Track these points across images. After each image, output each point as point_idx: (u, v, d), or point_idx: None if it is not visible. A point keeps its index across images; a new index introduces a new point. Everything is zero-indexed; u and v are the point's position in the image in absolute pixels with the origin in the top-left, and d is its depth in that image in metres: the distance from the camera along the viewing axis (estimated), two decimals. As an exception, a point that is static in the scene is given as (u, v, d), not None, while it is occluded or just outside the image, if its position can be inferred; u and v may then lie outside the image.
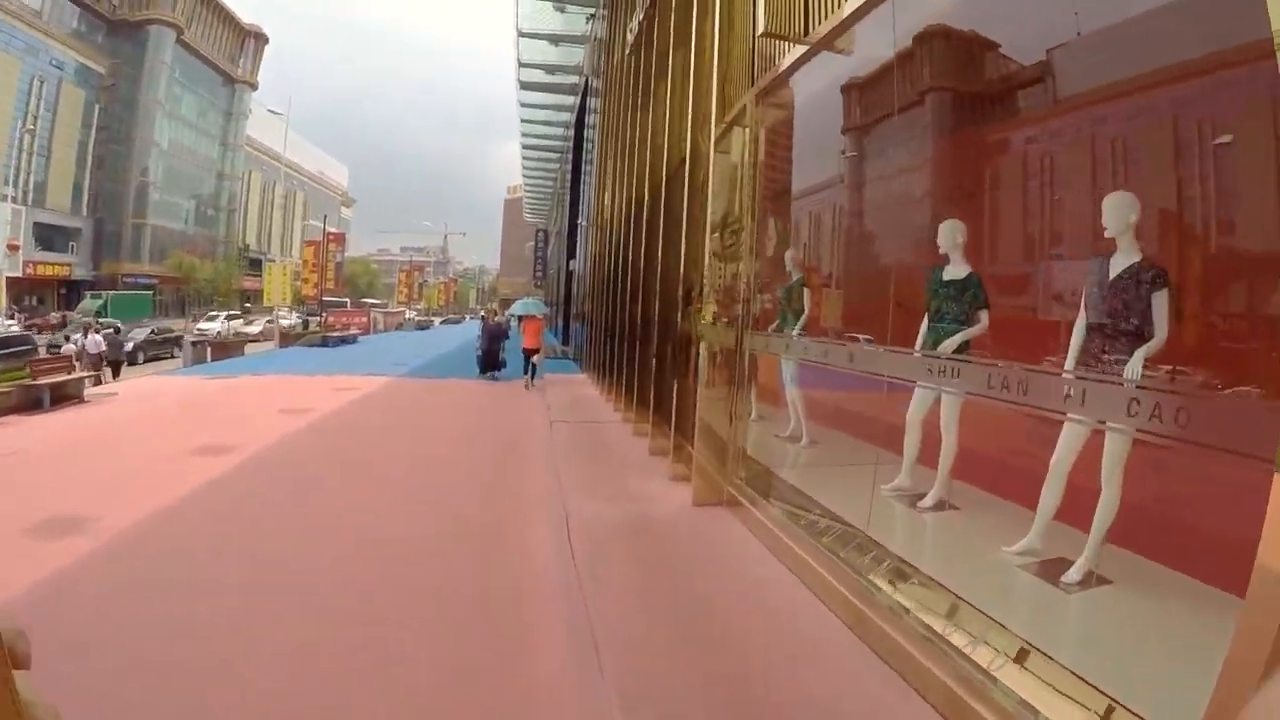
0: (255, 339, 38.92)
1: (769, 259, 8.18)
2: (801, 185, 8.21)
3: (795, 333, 7.24)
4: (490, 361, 23.08)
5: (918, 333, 5.23)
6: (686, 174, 9.44)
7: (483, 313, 36.29)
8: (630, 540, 6.92)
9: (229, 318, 51.89)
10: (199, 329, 47.40)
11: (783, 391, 7.90)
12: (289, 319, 50.46)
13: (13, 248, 55.91)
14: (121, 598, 5.73)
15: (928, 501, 5.34)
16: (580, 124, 31.55)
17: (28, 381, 16.17)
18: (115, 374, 25.01)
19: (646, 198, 12.76)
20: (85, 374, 18.16)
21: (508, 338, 25.41)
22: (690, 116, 9.42)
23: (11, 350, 19.21)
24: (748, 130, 7.90)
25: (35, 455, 11.25)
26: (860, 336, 6.25)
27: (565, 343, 36.65)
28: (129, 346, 28.41)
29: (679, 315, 9.37)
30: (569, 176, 36.63)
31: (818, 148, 7.69)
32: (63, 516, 7.75)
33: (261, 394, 18.84)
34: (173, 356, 33.98)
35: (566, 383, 21.26)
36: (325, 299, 49.83)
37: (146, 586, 5.95)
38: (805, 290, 7.39)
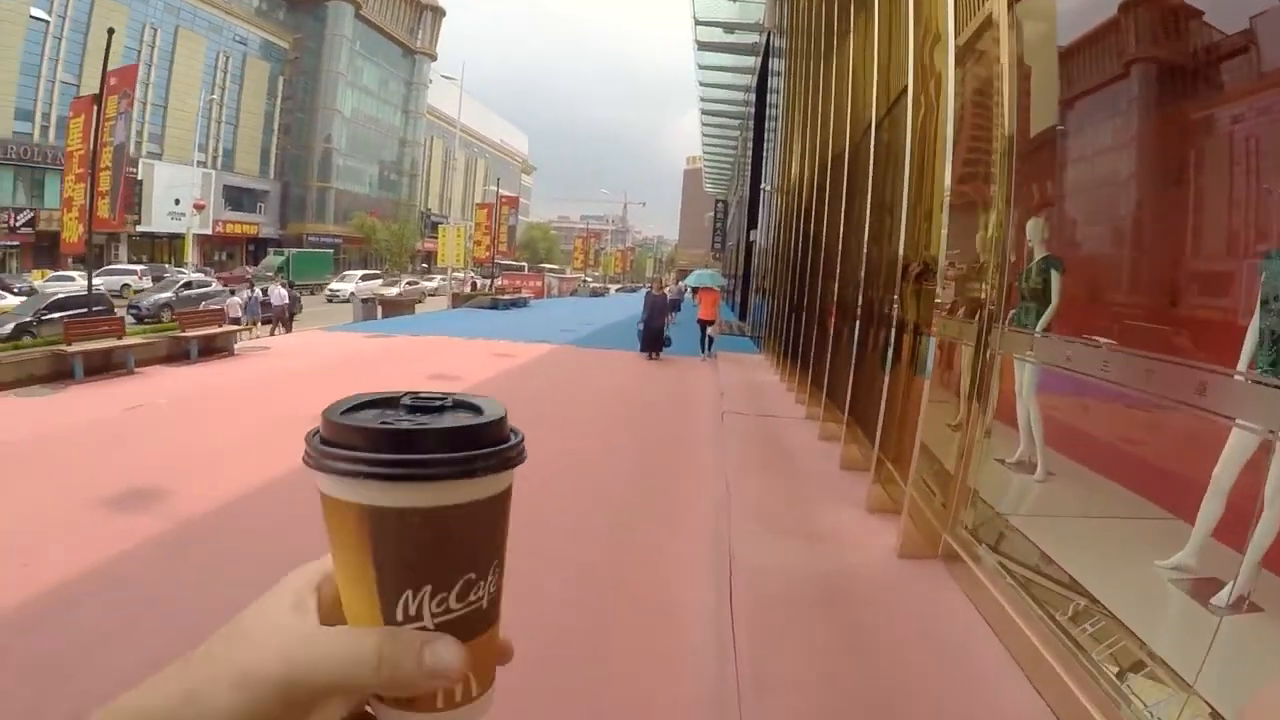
0: (400, 299, 37.81)
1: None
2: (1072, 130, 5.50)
3: (1038, 331, 4.87)
4: (652, 339, 20.06)
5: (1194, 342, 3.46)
6: (909, 112, 6.98)
7: (649, 283, 33.24)
8: (814, 611, 4.80)
9: (364, 278, 51.29)
10: (331, 289, 48.77)
11: (1013, 403, 5.48)
12: (461, 280, 50.93)
13: (198, 207, 58.06)
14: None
15: (1224, 597, 3.09)
16: (762, 85, 29.02)
17: (176, 333, 16.44)
18: (288, 328, 26.33)
19: (846, 151, 10.34)
20: (236, 328, 18.42)
21: (677, 310, 24.06)
22: (911, 37, 7.01)
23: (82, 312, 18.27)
24: (1003, 42, 5.42)
25: (156, 411, 11.30)
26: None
27: (743, 318, 33.72)
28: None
29: (892, 297, 6.99)
30: (750, 142, 34.01)
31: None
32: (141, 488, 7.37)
33: (412, 356, 18.19)
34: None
35: (742, 363, 18.86)
36: (501, 262, 49.64)
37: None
38: (1053, 274, 4.99)
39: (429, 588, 0.52)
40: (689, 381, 16.36)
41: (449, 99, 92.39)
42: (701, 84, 37.91)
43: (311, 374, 15.00)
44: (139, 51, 58.52)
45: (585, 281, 77.56)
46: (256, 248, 70.20)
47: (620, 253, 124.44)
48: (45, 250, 48.48)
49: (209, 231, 64.58)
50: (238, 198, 70.54)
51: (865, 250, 8.45)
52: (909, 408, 6.44)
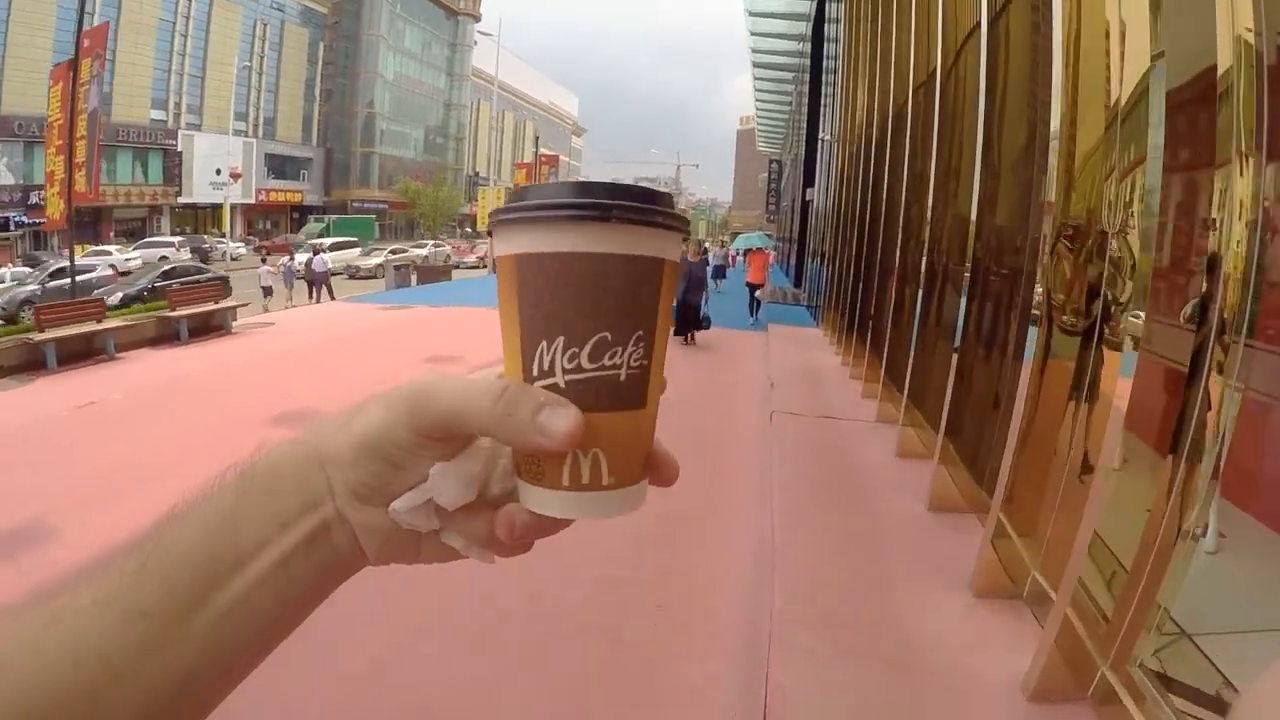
0: (434, 265, 36.23)
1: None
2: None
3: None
4: (688, 319, 15.86)
5: None
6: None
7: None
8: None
9: (334, 247, 42.80)
10: (351, 264, 43.13)
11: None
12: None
13: (235, 176, 57.08)
14: None
15: None
16: (819, 27, 26.58)
17: (164, 312, 15.15)
18: (331, 294, 26.35)
19: (927, 82, 8.11)
20: (233, 304, 16.89)
21: (722, 278, 23.12)
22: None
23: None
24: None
25: (106, 410, 9.80)
26: None
27: (798, 285, 31.12)
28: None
29: (1023, 267, 4.73)
30: (805, 95, 31.45)
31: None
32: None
33: (426, 331, 16.53)
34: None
35: (797, 339, 16.42)
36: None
37: None
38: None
39: (561, 339, 0.52)
40: (731, 368, 14.06)
41: (495, 60, 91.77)
42: (753, 33, 35.45)
43: (303, 356, 13.48)
44: (174, 23, 58.53)
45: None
46: (301, 215, 70.12)
47: None
48: (85, 225, 47.82)
49: (251, 200, 64.31)
50: (280, 165, 70.37)
51: (976, 198, 5.97)
52: (1056, 455, 4.12)
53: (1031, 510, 4.33)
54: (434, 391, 0.52)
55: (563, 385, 0.52)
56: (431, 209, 76.48)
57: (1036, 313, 4.29)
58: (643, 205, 0.52)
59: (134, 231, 54.52)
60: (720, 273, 24.22)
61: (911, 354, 7.69)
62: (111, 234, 52.69)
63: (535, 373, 0.53)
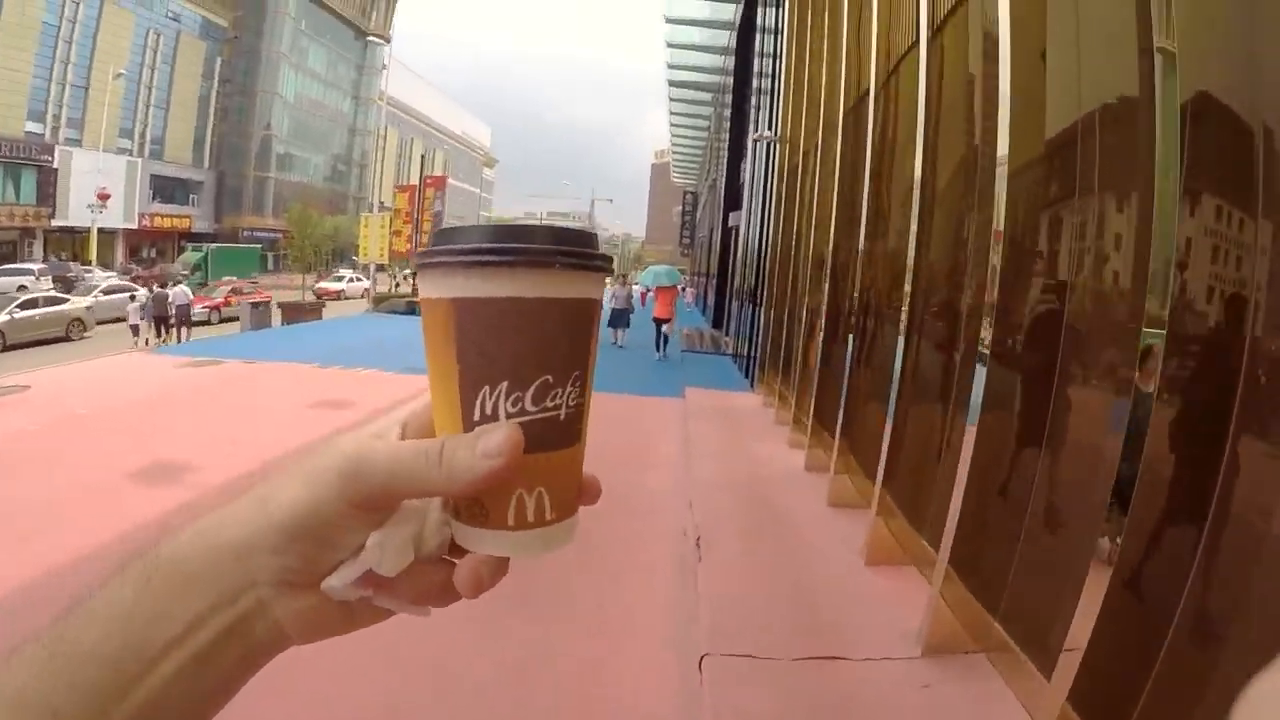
0: (303, 303, 31.82)
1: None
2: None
3: None
4: None
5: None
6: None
7: None
8: None
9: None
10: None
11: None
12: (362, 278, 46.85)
13: (103, 197, 51.96)
14: None
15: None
16: (748, 23, 23.71)
17: None
18: (187, 333, 24.12)
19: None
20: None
21: (625, 326, 22.06)
22: None
23: None
24: None
25: None
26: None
27: (718, 326, 28.00)
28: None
29: None
30: (728, 106, 29.08)
31: None
32: None
33: (193, 407, 11.66)
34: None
35: (726, 411, 12.45)
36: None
37: None
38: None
39: (505, 384, 0.53)
40: (646, 446, 10.15)
41: (405, 86, 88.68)
42: (670, 44, 33.01)
43: (35, 444, 9.10)
44: (59, 27, 53.71)
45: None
46: (190, 243, 64.41)
47: None
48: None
49: (134, 225, 59.96)
50: (168, 188, 65.39)
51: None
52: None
53: None
54: (366, 463, 0.52)
55: None
56: (335, 236, 70.78)
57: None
58: (582, 250, 0.54)
59: (4, 256, 49.35)
60: (622, 319, 22.14)
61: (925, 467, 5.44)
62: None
63: (477, 417, 0.53)
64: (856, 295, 7.51)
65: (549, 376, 0.53)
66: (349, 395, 12.53)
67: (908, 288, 5.77)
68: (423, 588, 0.57)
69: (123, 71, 56.82)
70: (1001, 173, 4.07)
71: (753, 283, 16.57)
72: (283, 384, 13.76)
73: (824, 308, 8.85)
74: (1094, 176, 3.77)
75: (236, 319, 28.13)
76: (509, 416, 0.52)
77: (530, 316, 0.52)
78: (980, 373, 4.20)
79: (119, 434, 9.54)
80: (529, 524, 0.54)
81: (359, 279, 49.05)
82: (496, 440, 0.51)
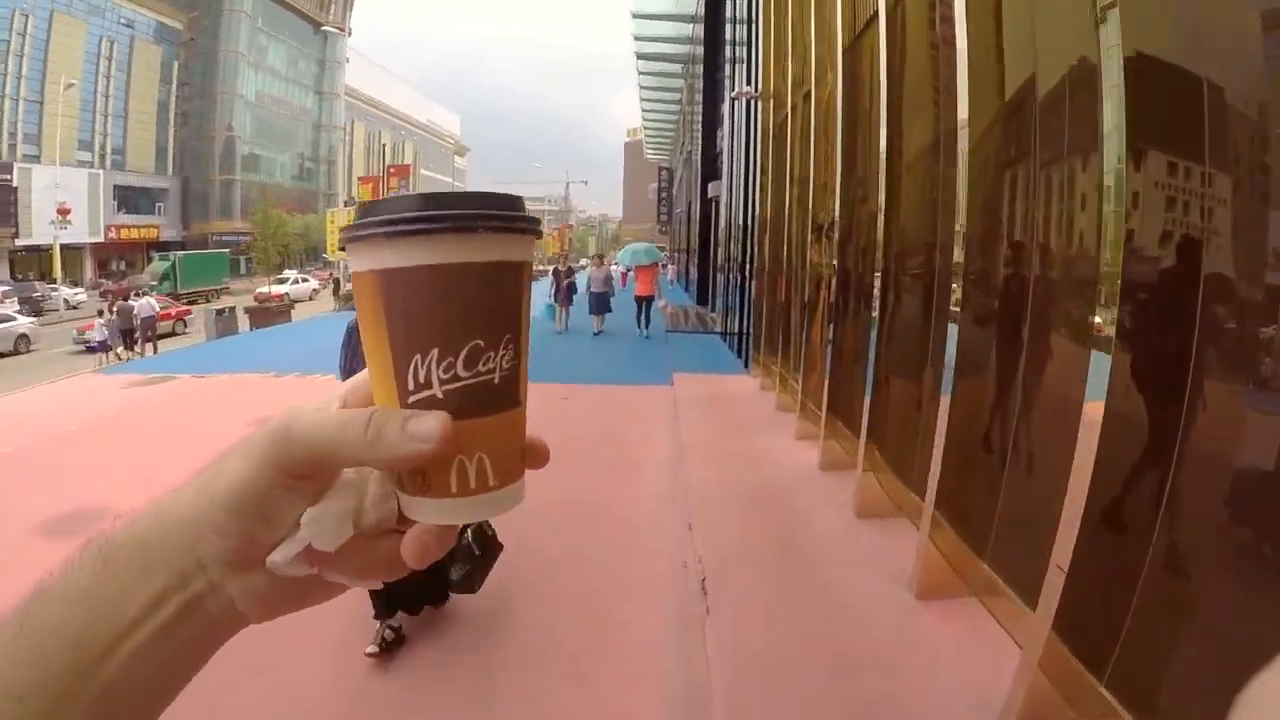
0: (270, 307, 31.33)
1: None
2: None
3: None
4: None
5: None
6: None
7: (556, 265, 26.85)
8: None
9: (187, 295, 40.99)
10: None
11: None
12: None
13: (62, 212, 50.00)
14: None
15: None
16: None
17: None
18: (154, 347, 22.96)
19: None
20: None
21: (607, 310, 21.07)
22: None
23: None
24: None
25: None
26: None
27: (704, 302, 27.40)
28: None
29: None
30: (699, 78, 28.15)
31: None
32: None
33: (164, 435, 10.48)
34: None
35: (715, 395, 11.81)
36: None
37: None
38: None
39: (435, 351, 0.52)
40: (617, 472, 8.48)
41: (369, 79, 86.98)
42: (635, 15, 32.70)
43: None
44: (9, 42, 52.44)
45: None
46: (160, 252, 61.56)
47: (557, 231, 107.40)
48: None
49: (100, 239, 58.82)
50: (132, 198, 64.07)
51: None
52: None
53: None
54: (295, 430, 0.52)
55: (440, 396, 0.52)
56: (264, 240, 68.26)
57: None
58: (506, 213, 0.53)
59: (-31, 279, 47.87)
60: (602, 304, 21.32)
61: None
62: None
63: (411, 386, 0.53)
64: (879, 261, 6.31)
65: (479, 341, 0.53)
66: (274, 396, 12.17)
67: (959, 256, 4.70)
68: (369, 561, 0.56)
69: (74, 82, 55.32)
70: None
71: (739, 255, 15.60)
72: (232, 399, 12.96)
73: (833, 278, 7.75)
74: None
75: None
76: (442, 384, 0.52)
77: (455, 282, 0.51)
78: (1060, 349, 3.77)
79: (36, 475, 8.69)
80: (471, 490, 0.53)
81: (305, 279, 47.51)
82: (428, 425, 0.50)
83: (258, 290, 42.33)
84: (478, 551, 4.80)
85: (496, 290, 0.53)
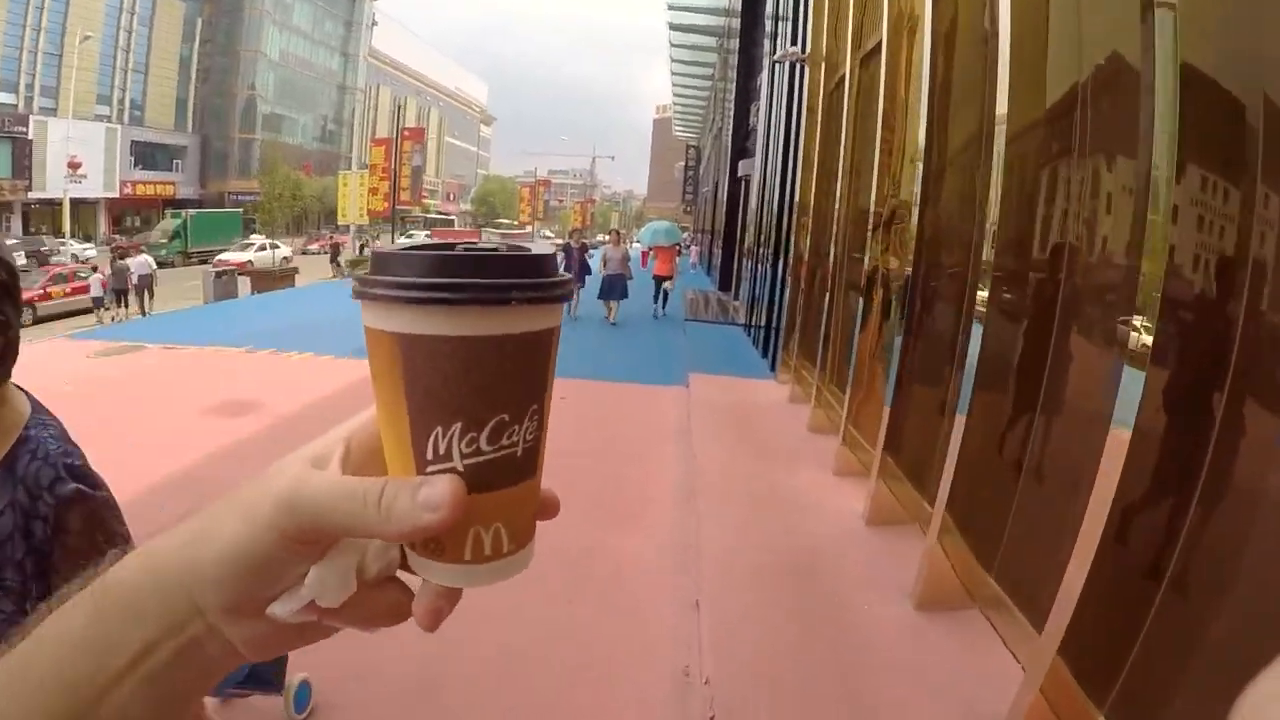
0: (273, 270, 29.88)
1: None
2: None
3: None
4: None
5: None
6: None
7: (568, 240, 24.99)
8: None
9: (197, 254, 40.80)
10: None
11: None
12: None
13: (73, 166, 49.79)
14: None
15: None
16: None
17: None
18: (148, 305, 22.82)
19: None
20: None
21: (623, 295, 19.23)
22: None
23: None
24: None
25: None
26: None
27: (727, 289, 25.69)
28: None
29: None
30: (735, 49, 26.38)
31: None
32: None
33: (104, 425, 8.66)
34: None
35: (737, 405, 10.28)
36: (436, 215, 40.91)
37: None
38: None
39: (459, 425, 0.50)
40: (611, 514, 6.58)
41: (397, 42, 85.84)
42: None
43: None
44: None
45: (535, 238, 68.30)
46: (173, 210, 61.24)
47: (579, 205, 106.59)
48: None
49: (115, 194, 58.32)
50: (150, 154, 63.61)
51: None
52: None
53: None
54: (301, 500, 0.50)
55: (461, 469, 0.50)
56: (269, 200, 67.31)
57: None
58: (540, 282, 0.50)
59: (-18, 232, 47.27)
60: (617, 289, 19.37)
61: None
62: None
63: (430, 456, 0.51)
64: (983, 262, 4.42)
65: (505, 415, 0.50)
66: (265, 392, 10.57)
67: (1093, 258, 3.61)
68: (371, 610, 0.55)
69: (90, 35, 54.50)
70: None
71: (771, 241, 14.00)
72: (195, 377, 11.81)
73: (904, 278, 5.92)
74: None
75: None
76: (463, 458, 0.50)
77: (484, 355, 0.49)
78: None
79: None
80: (486, 557, 0.52)
81: (275, 246, 43.52)
82: (439, 492, 0.48)
83: (217, 257, 35.54)
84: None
85: (528, 362, 0.51)
